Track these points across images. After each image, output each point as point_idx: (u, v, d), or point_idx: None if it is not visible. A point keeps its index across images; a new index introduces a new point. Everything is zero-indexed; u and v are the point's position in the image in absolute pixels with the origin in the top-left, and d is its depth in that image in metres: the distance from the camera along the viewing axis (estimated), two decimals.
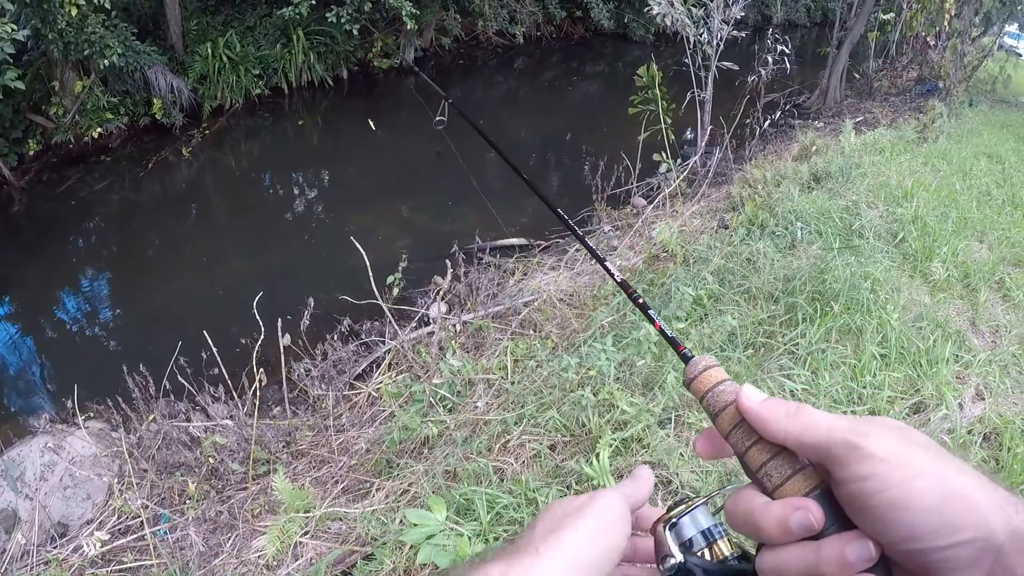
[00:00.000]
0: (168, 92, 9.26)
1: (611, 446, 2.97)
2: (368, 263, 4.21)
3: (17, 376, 5.80)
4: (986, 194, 5.47)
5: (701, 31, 6.47)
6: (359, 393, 4.40)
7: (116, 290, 6.93)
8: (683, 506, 0.57)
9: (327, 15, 9.99)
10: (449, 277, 5.17)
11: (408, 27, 10.11)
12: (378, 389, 4.38)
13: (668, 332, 0.67)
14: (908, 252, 4.51)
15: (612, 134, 8.59)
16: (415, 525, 2.49)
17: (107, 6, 7.77)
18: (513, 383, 3.78)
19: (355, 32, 10.37)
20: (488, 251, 6.22)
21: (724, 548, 0.55)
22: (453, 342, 4.50)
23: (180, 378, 3.80)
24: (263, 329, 3.74)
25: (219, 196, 8.81)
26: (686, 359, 0.62)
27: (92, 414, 4.16)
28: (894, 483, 0.43)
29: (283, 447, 3.94)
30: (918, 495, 0.42)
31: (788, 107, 8.50)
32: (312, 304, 4.05)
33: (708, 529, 0.56)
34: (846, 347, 3.56)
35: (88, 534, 3.38)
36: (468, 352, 4.47)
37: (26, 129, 8.78)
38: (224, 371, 3.84)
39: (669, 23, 6.60)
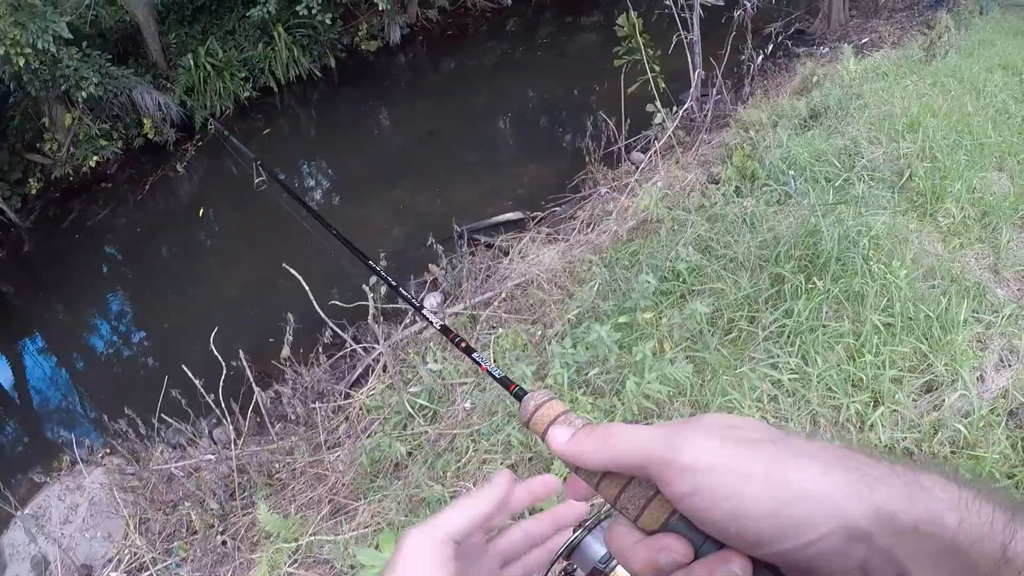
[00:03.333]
0: (156, 110, 9.34)
1: None
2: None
3: (44, 414, 6.13)
4: (1003, 112, 4.76)
5: None
6: (352, 403, 4.23)
7: (129, 315, 7.17)
8: (579, 531, 0.58)
9: (297, 8, 9.63)
10: (443, 264, 5.03)
11: (381, 8, 9.77)
12: (370, 399, 4.19)
13: (496, 373, 0.63)
14: (916, 193, 3.97)
15: (608, 89, 8.17)
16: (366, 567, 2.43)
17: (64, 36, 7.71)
18: (483, 389, 3.54)
19: (332, 21, 10.10)
20: (480, 232, 5.94)
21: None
22: (431, 343, 4.27)
23: (185, 403, 3.95)
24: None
25: (220, 205, 8.78)
26: (519, 397, 0.56)
27: (108, 451, 4.34)
28: (724, 495, 0.40)
29: (268, 474, 3.90)
30: (752, 502, 0.39)
31: (790, 34, 7.91)
32: (293, 321, 4.07)
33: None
34: (842, 321, 3.11)
35: None
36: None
37: (25, 169, 9.03)
38: (221, 395, 3.90)
39: None
